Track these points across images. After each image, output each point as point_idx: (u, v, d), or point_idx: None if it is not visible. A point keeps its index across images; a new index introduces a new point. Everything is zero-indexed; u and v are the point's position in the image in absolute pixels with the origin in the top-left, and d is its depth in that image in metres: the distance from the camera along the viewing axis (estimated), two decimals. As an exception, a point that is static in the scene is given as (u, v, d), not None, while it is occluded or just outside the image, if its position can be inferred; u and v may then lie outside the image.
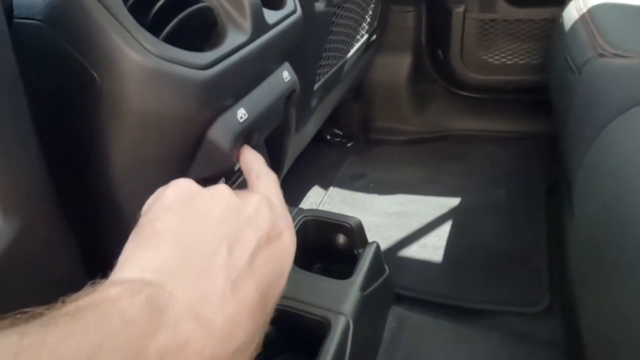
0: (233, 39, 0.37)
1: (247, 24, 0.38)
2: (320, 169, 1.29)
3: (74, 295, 0.18)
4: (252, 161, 0.34)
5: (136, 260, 0.21)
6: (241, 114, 0.40)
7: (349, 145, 1.39)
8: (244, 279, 0.22)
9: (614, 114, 0.53)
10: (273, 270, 0.24)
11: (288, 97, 0.51)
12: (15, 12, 0.31)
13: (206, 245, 0.22)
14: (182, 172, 0.40)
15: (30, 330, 0.15)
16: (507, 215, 1.02)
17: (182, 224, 0.23)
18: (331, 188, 1.20)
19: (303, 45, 0.58)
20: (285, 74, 0.47)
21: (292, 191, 1.17)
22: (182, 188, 0.25)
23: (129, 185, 0.35)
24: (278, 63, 0.46)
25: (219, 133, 0.38)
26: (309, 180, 1.23)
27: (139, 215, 0.25)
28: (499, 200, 1.07)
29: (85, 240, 0.35)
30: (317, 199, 1.17)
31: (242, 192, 0.28)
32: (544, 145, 1.19)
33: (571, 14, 0.80)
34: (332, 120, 1.35)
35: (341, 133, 1.41)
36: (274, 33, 0.42)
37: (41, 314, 0.17)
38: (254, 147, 0.48)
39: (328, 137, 1.40)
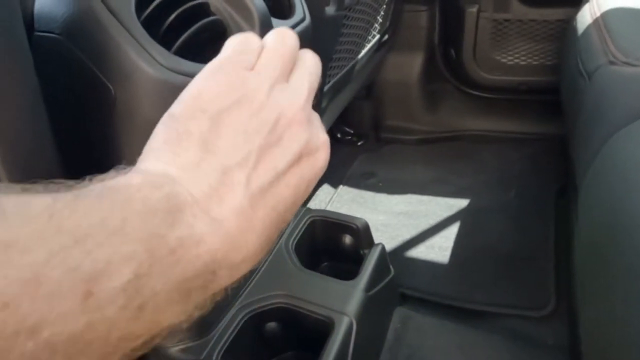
0: (242, 49, 0.38)
1: (256, 35, 0.39)
2: (330, 167, 1.26)
3: (100, 176, 0.19)
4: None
5: (163, 154, 0.21)
6: (249, 121, 0.41)
7: (359, 143, 1.40)
8: (264, 197, 0.21)
9: (622, 122, 0.53)
10: (297, 192, 0.23)
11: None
12: (36, 26, 0.33)
13: (234, 156, 0.21)
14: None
15: (62, 197, 0.16)
16: (516, 217, 1.02)
17: (215, 132, 0.22)
18: (340, 186, 1.21)
19: (312, 50, 0.59)
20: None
21: (302, 189, 1.19)
22: (231, 77, 0.23)
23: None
24: (286, 70, 0.47)
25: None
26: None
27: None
28: (509, 201, 1.07)
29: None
30: (327, 197, 1.18)
31: (289, 93, 0.24)
32: (556, 147, 1.19)
33: (585, 17, 0.79)
34: (343, 118, 1.36)
35: (352, 131, 1.42)
36: (282, 42, 0.43)
37: (71, 187, 0.17)
38: None
39: (339, 135, 1.41)
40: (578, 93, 0.67)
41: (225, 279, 0.21)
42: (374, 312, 0.64)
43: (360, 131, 1.41)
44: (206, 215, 0.20)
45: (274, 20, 0.42)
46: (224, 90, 0.23)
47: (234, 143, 0.22)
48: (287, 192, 0.22)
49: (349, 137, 1.41)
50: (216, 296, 0.21)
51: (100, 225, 0.16)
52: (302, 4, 0.48)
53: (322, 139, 0.25)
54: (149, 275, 0.16)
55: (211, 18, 0.36)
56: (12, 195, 0.16)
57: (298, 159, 0.23)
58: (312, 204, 1.17)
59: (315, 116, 0.26)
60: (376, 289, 0.65)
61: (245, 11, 0.38)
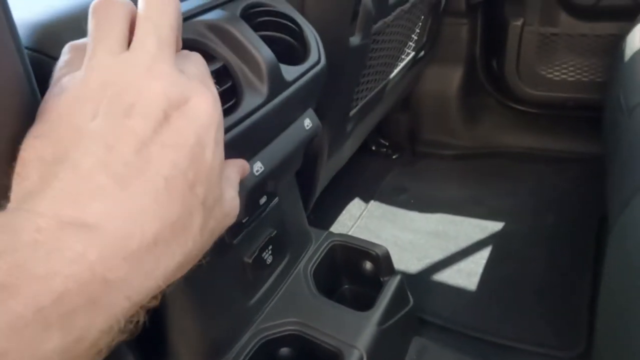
0: (249, 101, 0.39)
1: (264, 87, 0.40)
2: (362, 180, 1.30)
3: None
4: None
5: (13, 191, 0.19)
6: (257, 167, 0.42)
7: (394, 157, 1.38)
8: (137, 168, 0.19)
9: (660, 168, 0.49)
10: (184, 147, 0.20)
11: (311, 140, 0.52)
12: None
13: (75, 153, 0.19)
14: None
15: None
16: (553, 245, 0.97)
17: (49, 142, 0.20)
18: (372, 201, 1.21)
19: (336, 79, 0.59)
20: (307, 122, 0.49)
21: (334, 202, 1.19)
22: (60, 103, 0.21)
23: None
24: (299, 112, 0.48)
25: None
26: (350, 190, 1.25)
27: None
28: (546, 228, 1.02)
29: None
30: (357, 212, 1.18)
31: (128, 56, 0.21)
32: (603, 170, 1.11)
33: (633, 41, 0.73)
34: (378, 129, 1.34)
35: (387, 144, 1.40)
36: (294, 89, 0.43)
37: None
38: (271, 193, 0.51)
39: (373, 147, 1.40)
40: (617, 128, 0.62)
41: (133, 277, 0.18)
42: (388, 345, 0.64)
43: (395, 144, 1.40)
44: (58, 220, 0.17)
45: (285, 67, 0.43)
46: (48, 102, 0.21)
47: (68, 137, 0.19)
48: (169, 152, 0.20)
49: (384, 150, 1.40)
50: (143, 301, 0.18)
51: None
52: (317, 45, 0.48)
53: (193, 86, 0.22)
54: None
55: (217, 65, 0.37)
56: None
57: (164, 117, 0.20)
58: (342, 217, 1.18)
59: (184, 60, 0.22)
60: (391, 321, 0.65)
61: (252, 62, 0.39)
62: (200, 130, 0.21)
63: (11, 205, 0.19)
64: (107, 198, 0.18)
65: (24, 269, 0.16)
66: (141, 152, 0.19)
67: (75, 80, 0.21)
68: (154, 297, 0.19)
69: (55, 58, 0.37)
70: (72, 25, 0.35)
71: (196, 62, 0.24)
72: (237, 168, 0.27)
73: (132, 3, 0.23)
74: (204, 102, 0.21)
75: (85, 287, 0.16)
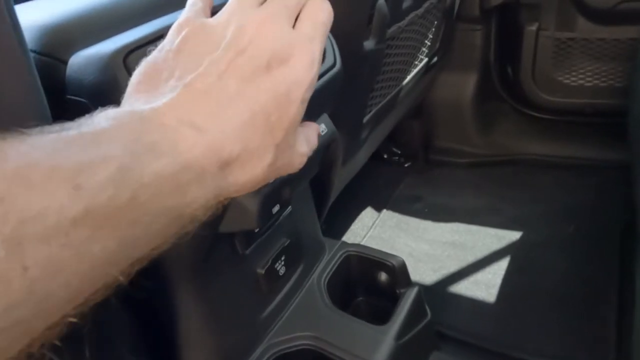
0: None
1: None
2: (375, 188, 1.27)
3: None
4: None
5: (130, 98, 0.24)
6: (271, 174, 0.40)
7: (406, 165, 1.36)
8: (233, 100, 0.23)
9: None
10: (275, 94, 0.24)
11: (327, 147, 0.51)
12: (68, 90, 0.34)
13: (193, 71, 0.23)
14: (213, 227, 0.42)
15: (49, 128, 0.19)
16: (575, 255, 0.93)
17: (174, 61, 0.25)
18: (384, 210, 1.18)
19: (350, 84, 0.58)
20: (322, 127, 0.47)
21: (345, 211, 1.17)
22: (192, 31, 0.26)
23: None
24: (314, 117, 0.46)
25: (247, 196, 0.39)
26: (363, 199, 1.23)
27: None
28: (567, 237, 0.99)
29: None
30: (370, 221, 1.16)
31: (254, 11, 0.25)
32: (624, 176, 1.08)
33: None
34: (391, 137, 1.32)
35: (399, 152, 1.38)
36: (308, 93, 0.42)
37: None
38: (285, 201, 0.49)
39: (385, 155, 1.38)
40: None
41: (218, 176, 0.22)
42: (407, 359, 0.61)
43: (408, 152, 1.37)
44: (175, 122, 0.21)
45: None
46: (194, 33, 0.26)
47: (192, 61, 0.24)
48: (261, 94, 0.23)
49: (396, 158, 1.38)
50: (220, 196, 0.23)
51: (79, 138, 0.18)
52: (333, 48, 0.46)
53: (298, 46, 0.25)
54: (131, 169, 0.18)
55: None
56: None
57: (267, 66, 0.24)
58: (355, 227, 1.15)
59: (281, 26, 0.25)
60: (409, 336, 0.62)
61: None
62: (292, 86, 0.24)
63: (134, 104, 0.23)
64: (210, 113, 0.22)
65: (156, 145, 0.20)
66: (240, 87, 0.23)
67: (211, 19, 0.26)
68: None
69: (64, 62, 0.36)
70: (81, 29, 0.34)
71: (315, 23, 0.26)
72: (315, 131, 0.30)
73: None
74: (301, 62, 0.24)
75: (194, 169, 0.21)
